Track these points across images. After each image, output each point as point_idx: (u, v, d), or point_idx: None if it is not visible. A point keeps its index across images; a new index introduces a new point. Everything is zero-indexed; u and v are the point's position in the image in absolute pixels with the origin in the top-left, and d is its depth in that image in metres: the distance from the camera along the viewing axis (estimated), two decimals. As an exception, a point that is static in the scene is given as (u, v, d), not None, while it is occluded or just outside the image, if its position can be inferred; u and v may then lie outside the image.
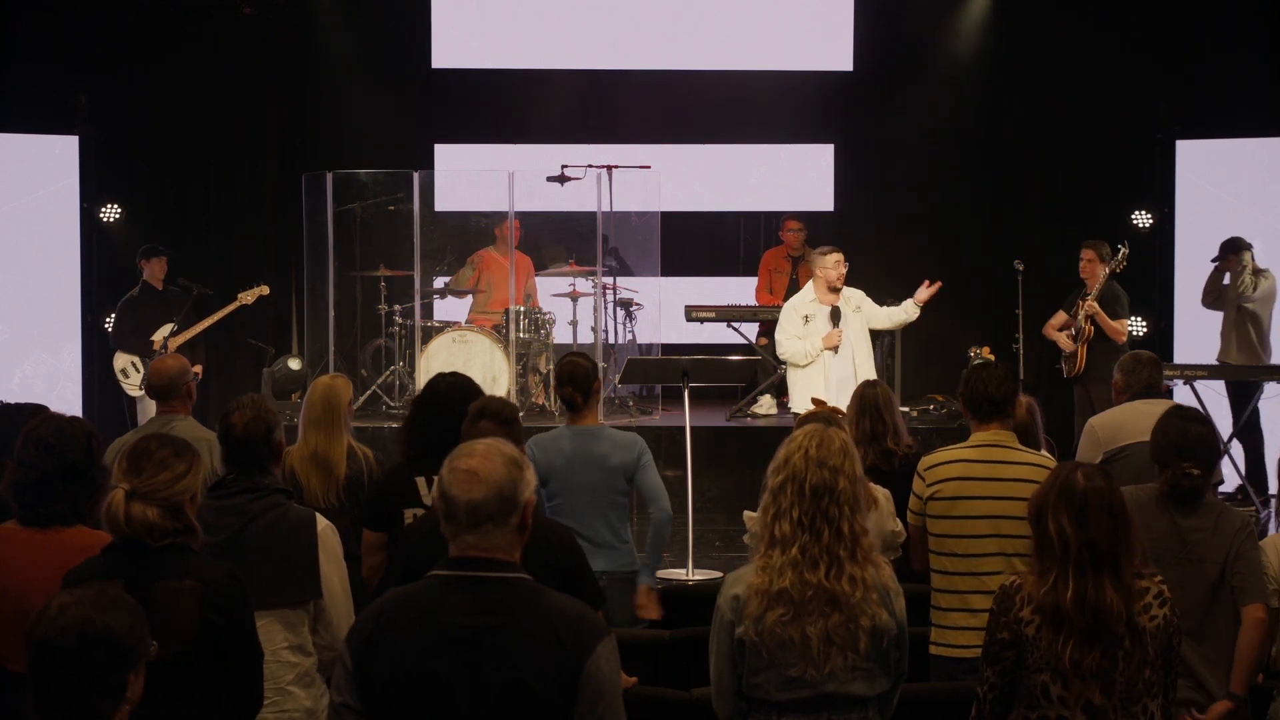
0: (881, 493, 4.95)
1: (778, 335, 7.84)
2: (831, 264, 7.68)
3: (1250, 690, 3.98)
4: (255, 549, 3.67)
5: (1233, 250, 8.99)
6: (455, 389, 4.37)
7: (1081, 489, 3.21)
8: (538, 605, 2.59)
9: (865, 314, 7.81)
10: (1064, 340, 8.78)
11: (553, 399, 8.95)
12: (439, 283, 9.85)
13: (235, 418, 3.80)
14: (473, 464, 2.61)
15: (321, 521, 3.82)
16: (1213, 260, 9.14)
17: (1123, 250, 8.54)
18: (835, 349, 7.65)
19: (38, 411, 4.14)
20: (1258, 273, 8.93)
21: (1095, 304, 8.48)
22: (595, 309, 9.56)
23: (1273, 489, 8.85)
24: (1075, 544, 3.17)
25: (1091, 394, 8.55)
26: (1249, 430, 8.88)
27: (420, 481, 4.26)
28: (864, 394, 5.49)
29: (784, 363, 9.17)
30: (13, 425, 3.72)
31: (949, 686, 4.13)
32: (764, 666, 3.18)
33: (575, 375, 4.99)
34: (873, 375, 7.59)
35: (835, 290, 7.70)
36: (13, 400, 5.14)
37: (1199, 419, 4.19)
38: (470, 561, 2.60)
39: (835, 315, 7.71)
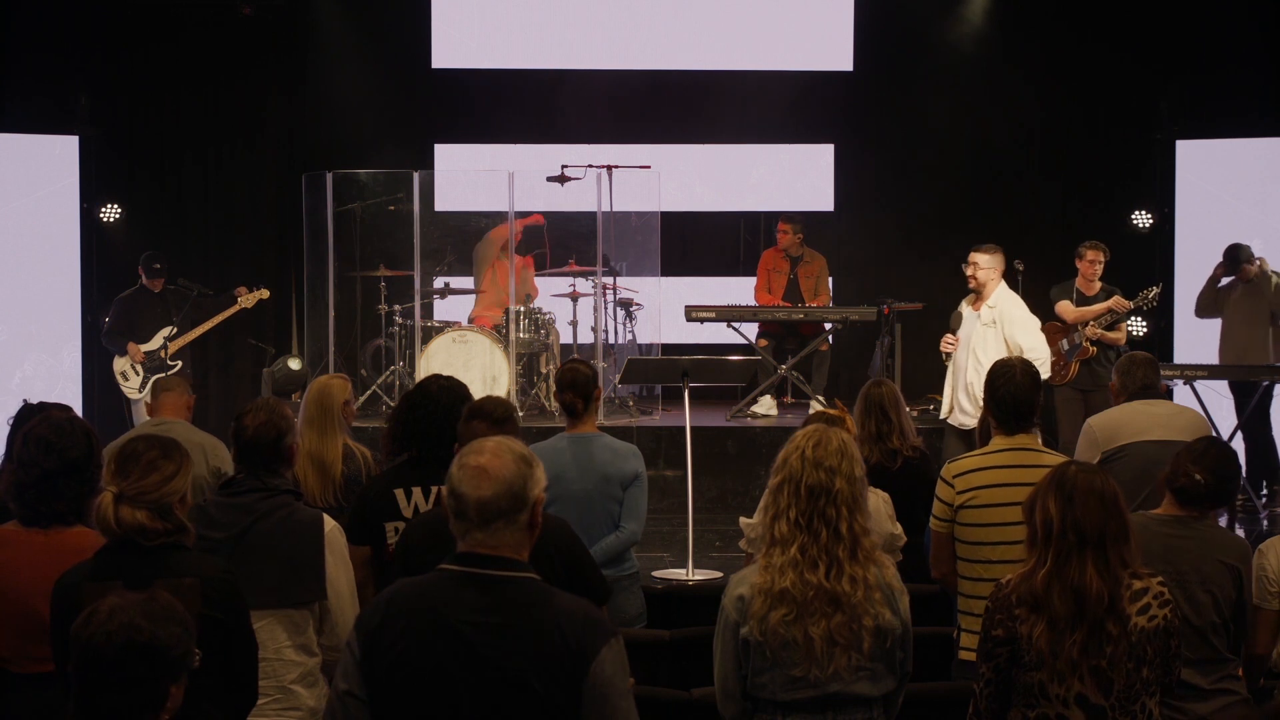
0: (880, 496, 4.94)
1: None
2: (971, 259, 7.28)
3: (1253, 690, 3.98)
4: (260, 548, 3.67)
5: (1244, 260, 8.95)
6: (446, 393, 4.34)
7: (1072, 475, 3.24)
8: (545, 606, 2.57)
9: (1002, 330, 7.17)
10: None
11: (552, 400, 8.95)
12: (439, 283, 9.85)
13: (247, 420, 3.81)
14: (482, 461, 2.60)
15: (329, 523, 3.80)
16: (1226, 275, 9.09)
17: (1154, 291, 8.50)
18: (947, 356, 7.44)
19: (62, 410, 4.13)
20: (1268, 275, 8.90)
21: (1099, 331, 8.50)
22: (595, 309, 9.55)
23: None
24: (1059, 525, 3.19)
25: (1088, 400, 8.55)
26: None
27: (399, 494, 4.23)
28: (869, 393, 5.49)
29: (777, 366, 9.28)
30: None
31: (962, 685, 4.10)
32: (768, 666, 3.17)
33: (576, 381, 4.97)
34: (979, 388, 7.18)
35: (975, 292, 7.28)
36: (14, 401, 5.13)
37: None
38: (479, 558, 2.58)
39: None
